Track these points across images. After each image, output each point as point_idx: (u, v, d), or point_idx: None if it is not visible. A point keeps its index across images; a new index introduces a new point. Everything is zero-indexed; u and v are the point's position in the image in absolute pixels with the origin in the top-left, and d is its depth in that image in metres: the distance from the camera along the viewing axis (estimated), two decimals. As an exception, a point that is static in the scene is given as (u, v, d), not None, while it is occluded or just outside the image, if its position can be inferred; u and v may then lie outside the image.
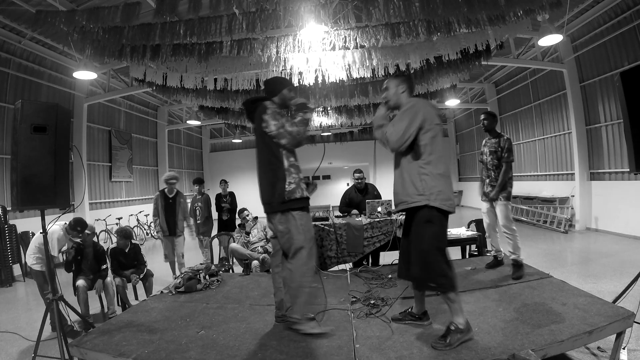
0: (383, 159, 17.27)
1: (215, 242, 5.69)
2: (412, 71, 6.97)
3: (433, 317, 2.59)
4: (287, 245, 2.43)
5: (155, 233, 4.81)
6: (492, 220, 3.85)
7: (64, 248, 4.46)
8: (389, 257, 4.75)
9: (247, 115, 2.60)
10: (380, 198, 4.91)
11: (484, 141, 4.02)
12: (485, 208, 3.87)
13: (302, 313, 2.39)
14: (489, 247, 4.11)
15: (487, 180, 3.82)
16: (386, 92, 2.49)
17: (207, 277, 3.80)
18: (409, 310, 2.59)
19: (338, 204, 5.29)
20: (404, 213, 2.55)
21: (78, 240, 4.20)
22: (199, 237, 6.02)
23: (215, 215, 6.48)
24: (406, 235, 2.45)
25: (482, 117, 3.97)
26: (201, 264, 4.13)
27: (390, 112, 2.49)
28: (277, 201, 2.39)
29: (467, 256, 4.74)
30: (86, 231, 4.18)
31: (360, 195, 5.02)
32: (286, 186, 2.37)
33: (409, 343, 2.24)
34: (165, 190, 5.04)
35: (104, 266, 4.27)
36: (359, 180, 5.04)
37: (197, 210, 6.12)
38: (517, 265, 3.50)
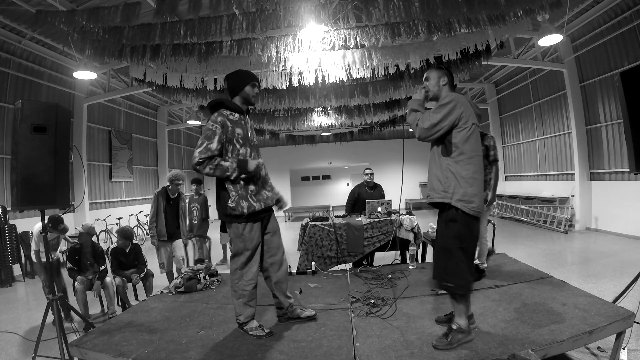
0: (384, 159, 17.29)
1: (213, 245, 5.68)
2: (412, 71, 6.97)
3: (430, 318, 2.59)
4: (231, 249, 2.55)
5: (150, 238, 4.43)
6: None
7: (64, 247, 4.48)
8: (388, 257, 4.75)
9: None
10: (384, 198, 4.94)
11: None
12: None
13: (245, 314, 2.48)
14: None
15: None
16: (427, 82, 2.46)
17: (207, 277, 3.80)
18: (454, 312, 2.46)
19: (338, 204, 5.31)
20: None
21: (75, 240, 4.23)
22: (192, 239, 5.79)
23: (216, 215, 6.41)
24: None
25: None
26: (201, 264, 4.14)
27: (427, 101, 2.46)
28: (221, 212, 2.46)
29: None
30: (82, 230, 4.19)
31: (371, 192, 5.09)
32: (228, 203, 2.37)
33: (409, 343, 2.24)
34: (169, 189, 4.67)
35: (103, 267, 4.26)
36: (369, 177, 5.13)
37: (195, 212, 6.07)
38: (479, 271, 3.46)
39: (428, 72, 2.48)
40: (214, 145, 2.31)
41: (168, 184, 4.69)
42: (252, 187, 2.42)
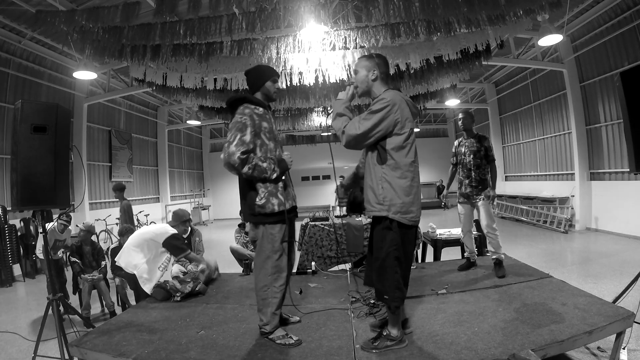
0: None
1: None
2: (411, 71, 6.94)
3: (430, 318, 2.58)
4: (256, 252, 2.41)
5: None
6: (470, 223, 3.86)
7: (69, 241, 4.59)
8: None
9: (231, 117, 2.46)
10: None
11: (457, 142, 3.91)
12: (465, 210, 3.78)
13: (273, 324, 2.37)
14: (466, 252, 3.98)
15: (467, 181, 3.71)
16: (355, 76, 2.22)
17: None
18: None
19: (338, 204, 5.27)
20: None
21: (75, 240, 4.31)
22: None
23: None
24: (371, 242, 2.35)
25: (461, 116, 3.81)
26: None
27: (355, 96, 2.26)
28: (248, 212, 2.35)
29: (467, 256, 4.74)
30: (82, 228, 4.31)
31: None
32: (257, 200, 2.25)
33: (408, 343, 2.24)
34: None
35: (103, 263, 4.41)
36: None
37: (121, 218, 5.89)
38: (499, 263, 3.50)
39: (357, 62, 2.22)
40: (248, 137, 2.18)
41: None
42: (281, 184, 2.32)
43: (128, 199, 6.13)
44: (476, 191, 3.66)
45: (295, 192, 2.58)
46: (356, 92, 2.24)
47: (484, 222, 3.65)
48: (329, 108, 2.13)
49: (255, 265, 2.43)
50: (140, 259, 3.37)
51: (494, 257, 3.56)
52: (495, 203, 3.68)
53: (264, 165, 2.23)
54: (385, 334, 2.20)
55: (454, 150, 3.93)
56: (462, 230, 3.89)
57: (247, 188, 2.33)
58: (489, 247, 3.67)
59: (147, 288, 3.36)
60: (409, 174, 2.10)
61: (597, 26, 7.92)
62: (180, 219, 3.76)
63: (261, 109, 2.36)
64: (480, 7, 4.82)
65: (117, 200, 6.17)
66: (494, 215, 3.68)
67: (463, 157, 3.77)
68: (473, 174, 3.67)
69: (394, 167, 2.07)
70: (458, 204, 3.87)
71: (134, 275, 3.34)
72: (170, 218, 3.97)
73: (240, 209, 2.45)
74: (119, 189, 6.05)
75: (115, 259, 3.55)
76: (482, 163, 3.68)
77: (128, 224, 5.45)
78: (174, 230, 3.54)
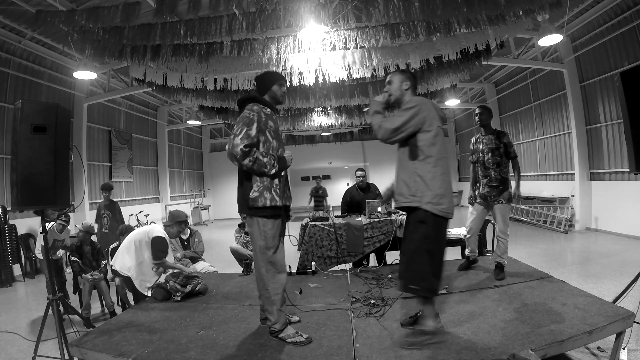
0: (380, 159, 17.31)
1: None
2: (412, 71, 6.96)
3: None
4: (253, 248, 2.46)
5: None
6: (481, 225, 3.77)
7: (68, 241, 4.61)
8: (389, 257, 4.75)
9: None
10: (381, 198, 4.91)
11: (475, 139, 3.72)
12: (478, 210, 3.64)
13: (281, 321, 2.38)
14: (467, 250, 3.89)
15: (485, 181, 3.53)
16: (389, 85, 2.47)
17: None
18: (421, 313, 2.48)
19: (338, 204, 5.27)
20: (404, 212, 2.53)
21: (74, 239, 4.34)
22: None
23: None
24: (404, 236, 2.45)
25: (478, 111, 3.64)
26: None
27: (389, 102, 2.49)
28: (243, 204, 2.40)
29: (467, 256, 4.74)
30: (81, 229, 4.33)
31: (362, 194, 5.01)
32: (250, 193, 2.32)
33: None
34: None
35: (103, 262, 4.43)
36: (361, 179, 5.04)
37: (105, 219, 5.89)
38: (501, 267, 3.44)
39: (391, 75, 2.51)
40: (253, 132, 2.28)
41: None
42: (276, 182, 2.38)
43: (128, 199, 6.15)
44: (496, 192, 3.48)
45: (295, 192, 2.59)
46: (389, 99, 2.48)
47: (498, 227, 3.55)
48: (365, 109, 2.27)
49: (254, 263, 2.49)
50: (133, 261, 3.36)
51: (497, 260, 3.48)
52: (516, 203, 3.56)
53: (265, 160, 2.30)
54: (421, 329, 2.24)
55: (471, 147, 3.76)
56: (469, 230, 3.74)
57: (245, 179, 2.40)
58: (496, 251, 3.58)
59: (143, 290, 3.35)
60: (439, 168, 2.25)
61: (597, 26, 7.92)
62: (175, 220, 3.71)
63: (269, 109, 2.45)
64: (480, 7, 4.81)
65: (109, 199, 6.10)
66: (507, 219, 3.56)
67: (481, 154, 3.58)
68: (492, 172, 3.49)
69: (424, 162, 2.25)
70: (475, 204, 3.67)
71: (130, 278, 3.34)
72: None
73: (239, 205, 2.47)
74: (110, 189, 6.02)
75: (111, 263, 3.55)
76: (503, 161, 3.49)
77: (127, 224, 5.46)
78: (160, 232, 3.47)
